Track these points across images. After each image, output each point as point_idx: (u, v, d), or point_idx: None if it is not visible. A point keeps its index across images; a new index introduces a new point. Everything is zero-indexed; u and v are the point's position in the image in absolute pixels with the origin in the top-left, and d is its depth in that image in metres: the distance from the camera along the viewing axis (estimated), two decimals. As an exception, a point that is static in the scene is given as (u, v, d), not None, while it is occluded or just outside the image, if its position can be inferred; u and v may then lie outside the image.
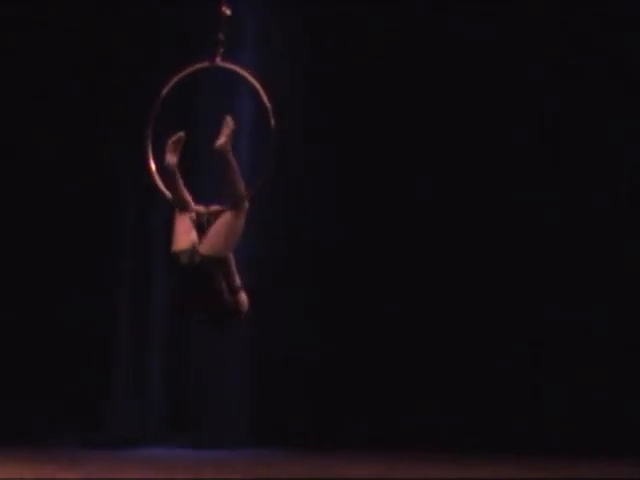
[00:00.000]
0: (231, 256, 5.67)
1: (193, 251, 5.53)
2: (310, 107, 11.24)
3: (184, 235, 5.57)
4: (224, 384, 10.49)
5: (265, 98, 5.58)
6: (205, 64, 5.77)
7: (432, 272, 11.31)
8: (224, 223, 5.56)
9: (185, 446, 9.95)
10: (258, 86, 5.63)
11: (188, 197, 5.75)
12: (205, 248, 5.55)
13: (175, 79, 5.77)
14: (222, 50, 5.69)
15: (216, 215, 5.60)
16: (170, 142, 5.68)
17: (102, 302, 10.67)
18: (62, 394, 10.20)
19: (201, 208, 5.70)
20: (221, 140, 5.55)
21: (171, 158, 5.63)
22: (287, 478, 7.76)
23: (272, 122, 5.57)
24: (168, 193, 5.68)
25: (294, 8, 11.12)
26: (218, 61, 5.72)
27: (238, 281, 5.75)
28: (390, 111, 11.31)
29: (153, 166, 5.66)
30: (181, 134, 5.69)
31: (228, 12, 5.80)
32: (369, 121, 11.32)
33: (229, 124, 5.58)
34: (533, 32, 11.23)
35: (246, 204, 5.59)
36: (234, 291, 5.68)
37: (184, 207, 5.67)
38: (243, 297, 5.75)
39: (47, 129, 11.21)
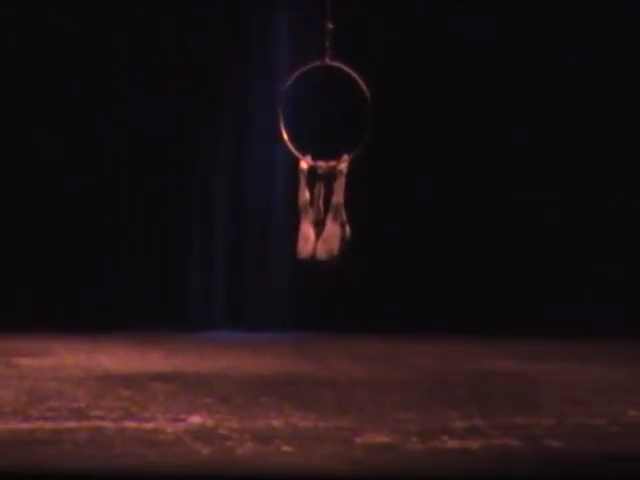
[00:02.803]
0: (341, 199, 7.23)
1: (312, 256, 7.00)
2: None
3: (304, 243, 6.99)
4: (272, 278, 11.85)
5: (364, 86, 7.21)
6: (318, 63, 7.20)
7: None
8: (331, 230, 7.13)
9: (243, 329, 11.59)
10: (357, 76, 7.25)
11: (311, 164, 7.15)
12: (321, 253, 7.01)
13: (294, 75, 7.18)
14: (329, 53, 7.18)
15: (334, 168, 7.06)
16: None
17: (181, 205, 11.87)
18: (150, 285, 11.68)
19: (321, 163, 7.07)
20: (342, 165, 7.17)
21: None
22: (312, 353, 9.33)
23: (369, 104, 7.19)
24: (299, 154, 7.10)
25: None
26: (327, 60, 7.18)
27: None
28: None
29: (285, 136, 7.10)
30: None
31: (330, 26, 7.24)
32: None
33: (345, 158, 7.19)
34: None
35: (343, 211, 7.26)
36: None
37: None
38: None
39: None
